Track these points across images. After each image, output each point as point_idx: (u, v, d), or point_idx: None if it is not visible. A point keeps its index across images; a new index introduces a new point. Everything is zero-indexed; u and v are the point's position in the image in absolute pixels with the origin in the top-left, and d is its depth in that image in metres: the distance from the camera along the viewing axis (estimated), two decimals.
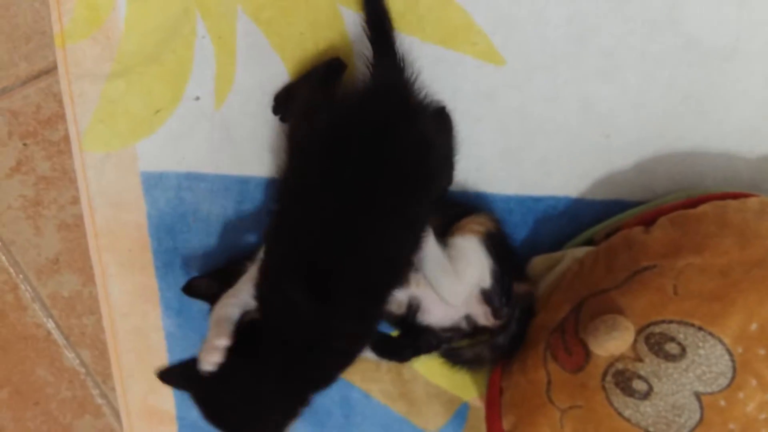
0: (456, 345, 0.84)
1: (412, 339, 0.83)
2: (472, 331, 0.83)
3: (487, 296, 0.81)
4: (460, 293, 0.80)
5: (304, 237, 0.72)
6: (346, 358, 0.79)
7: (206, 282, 0.87)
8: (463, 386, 0.96)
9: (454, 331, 0.82)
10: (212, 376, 0.74)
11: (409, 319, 0.82)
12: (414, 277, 0.80)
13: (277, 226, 0.77)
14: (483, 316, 0.82)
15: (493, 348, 0.82)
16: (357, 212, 0.70)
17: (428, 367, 0.95)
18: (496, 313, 0.81)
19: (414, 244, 0.75)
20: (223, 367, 0.74)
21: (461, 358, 0.84)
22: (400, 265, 0.75)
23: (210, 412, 0.78)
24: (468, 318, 0.82)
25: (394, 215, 0.72)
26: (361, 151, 0.70)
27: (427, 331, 0.82)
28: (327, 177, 0.71)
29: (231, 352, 0.75)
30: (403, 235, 0.74)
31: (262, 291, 0.77)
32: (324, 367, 0.78)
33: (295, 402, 0.78)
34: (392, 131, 0.72)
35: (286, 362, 0.74)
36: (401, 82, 0.75)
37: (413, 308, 0.82)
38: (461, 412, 0.97)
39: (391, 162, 0.71)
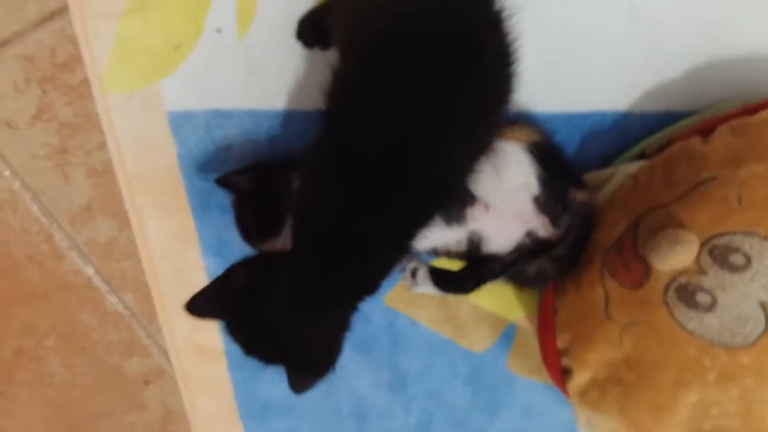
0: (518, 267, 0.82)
1: (476, 269, 0.82)
2: (536, 247, 0.80)
3: (540, 204, 0.78)
4: (500, 191, 0.78)
5: (356, 142, 0.67)
6: (385, 266, 0.75)
7: (243, 179, 0.85)
8: (509, 307, 0.96)
9: (518, 251, 0.80)
10: (245, 291, 0.71)
11: (471, 254, 0.80)
12: (470, 213, 0.78)
13: (329, 125, 0.71)
14: (543, 227, 0.79)
15: (554, 260, 0.80)
16: (420, 121, 0.65)
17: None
18: (554, 221, 0.78)
19: (471, 165, 0.70)
20: (255, 280, 0.71)
21: (525, 277, 0.82)
22: (453, 186, 0.71)
23: (250, 338, 0.73)
24: (530, 234, 0.79)
25: (458, 132, 0.67)
26: (436, 53, 0.64)
27: (492, 258, 0.80)
28: (390, 78, 0.65)
29: (259, 267, 0.73)
30: (463, 154, 0.69)
31: (305, 194, 0.73)
32: (363, 273, 0.73)
33: (342, 307, 0.74)
34: (477, 38, 0.65)
35: (325, 264, 0.70)
36: None
37: (474, 243, 0.80)
38: (508, 332, 0.97)
39: (470, 73, 0.65)
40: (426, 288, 0.87)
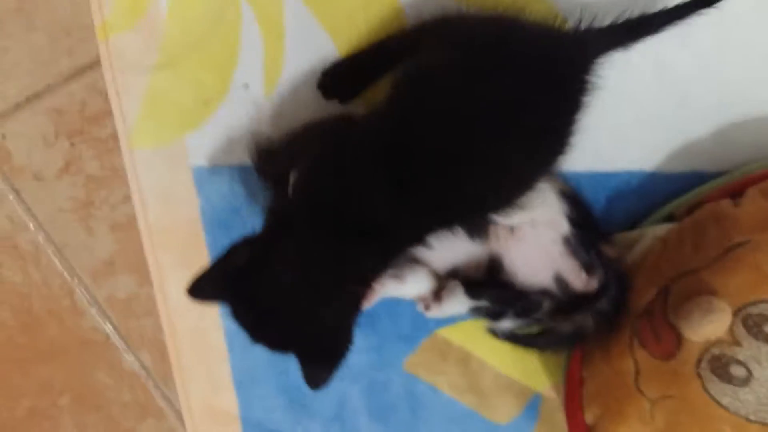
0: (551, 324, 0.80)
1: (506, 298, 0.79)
2: (567, 299, 0.77)
3: (570, 246, 0.76)
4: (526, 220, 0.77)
5: (419, 127, 0.67)
6: (400, 251, 0.73)
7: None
8: (535, 376, 0.92)
9: (545, 296, 0.77)
10: (248, 268, 0.68)
11: (492, 283, 0.78)
12: (493, 231, 0.76)
13: (395, 106, 0.71)
14: (574, 274, 0.77)
15: (595, 315, 0.76)
16: (492, 128, 0.66)
17: (497, 357, 0.92)
18: (587, 268, 0.76)
19: (518, 192, 0.72)
20: (258, 256, 0.69)
21: (560, 336, 0.79)
22: (496, 203, 0.72)
23: (255, 320, 0.70)
24: (559, 280, 0.77)
25: (521, 154, 0.68)
26: (531, 74, 0.67)
27: (518, 293, 0.78)
28: (481, 77, 0.67)
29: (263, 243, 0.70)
30: (516, 178, 0.71)
31: (337, 163, 0.71)
32: (379, 253, 0.71)
33: (353, 285, 0.71)
34: (566, 80, 0.69)
35: (342, 239, 0.68)
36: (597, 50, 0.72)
37: (494, 269, 0.78)
38: (534, 403, 0.93)
39: (562, 105, 0.69)
40: (452, 305, 0.81)
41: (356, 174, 0.69)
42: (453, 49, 0.71)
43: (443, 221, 0.71)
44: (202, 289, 0.71)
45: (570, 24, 0.72)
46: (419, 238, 0.72)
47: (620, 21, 0.72)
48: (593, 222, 0.80)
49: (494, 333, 0.82)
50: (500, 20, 0.73)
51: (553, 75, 0.68)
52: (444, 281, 0.81)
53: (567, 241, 0.76)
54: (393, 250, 0.72)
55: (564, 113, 0.70)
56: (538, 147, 0.70)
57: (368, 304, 0.77)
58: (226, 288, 0.70)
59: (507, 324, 0.80)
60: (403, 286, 0.79)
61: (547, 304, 0.77)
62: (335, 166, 0.71)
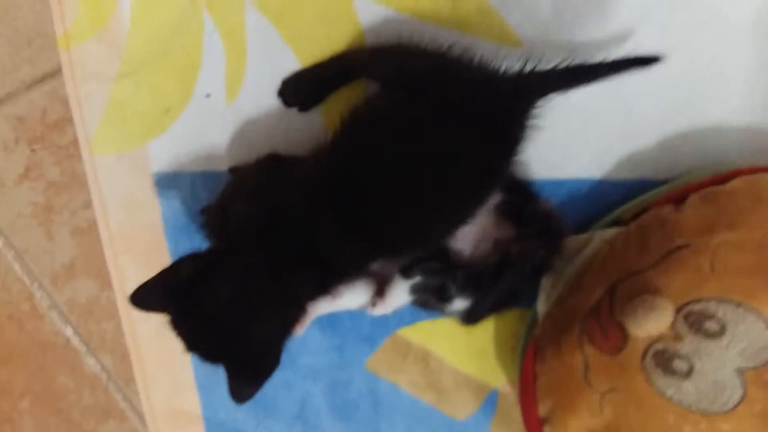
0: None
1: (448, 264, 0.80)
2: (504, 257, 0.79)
3: (503, 212, 0.80)
4: None
5: (369, 162, 0.70)
6: (342, 279, 0.76)
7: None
8: (492, 373, 0.95)
9: (489, 264, 0.79)
10: (191, 281, 0.69)
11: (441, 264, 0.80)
12: None
13: (344, 140, 0.73)
14: (509, 233, 0.80)
15: (519, 240, 0.79)
16: (433, 170, 0.69)
17: (456, 356, 0.95)
18: (520, 221, 0.79)
19: (459, 222, 0.75)
20: (202, 271, 0.70)
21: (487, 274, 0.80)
22: (435, 236, 0.76)
23: (192, 330, 0.71)
24: (497, 243, 0.80)
25: (464, 191, 0.72)
26: (470, 118, 0.70)
27: (465, 270, 0.80)
28: (423, 120, 0.70)
29: (208, 259, 0.72)
30: (458, 211, 0.74)
31: (284, 190, 0.74)
32: (319, 280, 0.74)
33: (289, 307, 0.73)
34: (505, 124, 0.73)
35: (283, 263, 0.71)
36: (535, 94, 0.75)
37: (444, 258, 0.80)
38: (491, 399, 0.96)
39: (499, 146, 0.72)
40: (396, 296, 0.82)
41: (301, 206, 0.72)
42: (397, 88, 0.74)
43: (385, 253, 0.76)
44: (144, 298, 0.71)
45: (517, 60, 0.75)
46: (361, 268, 0.77)
47: (561, 67, 0.75)
48: (520, 182, 0.84)
49: (465, 321, 0.84)
50: (445, 60, 0.76)
51: (491, 117, 0.71)
52: (388, 278, 0.82)
53: (498, 209, 0.79)
54: (334, 278, 0.75)
55: (502, 153, 0.74)
56: (477, 184, 0.74)
57: (301, 329, 0.79)
58: (167, 299, 0.71)
59: (462, 303, 0.81)
60: (339, 302, 0.81)
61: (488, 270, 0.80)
62: (281, 198, 0.74)
